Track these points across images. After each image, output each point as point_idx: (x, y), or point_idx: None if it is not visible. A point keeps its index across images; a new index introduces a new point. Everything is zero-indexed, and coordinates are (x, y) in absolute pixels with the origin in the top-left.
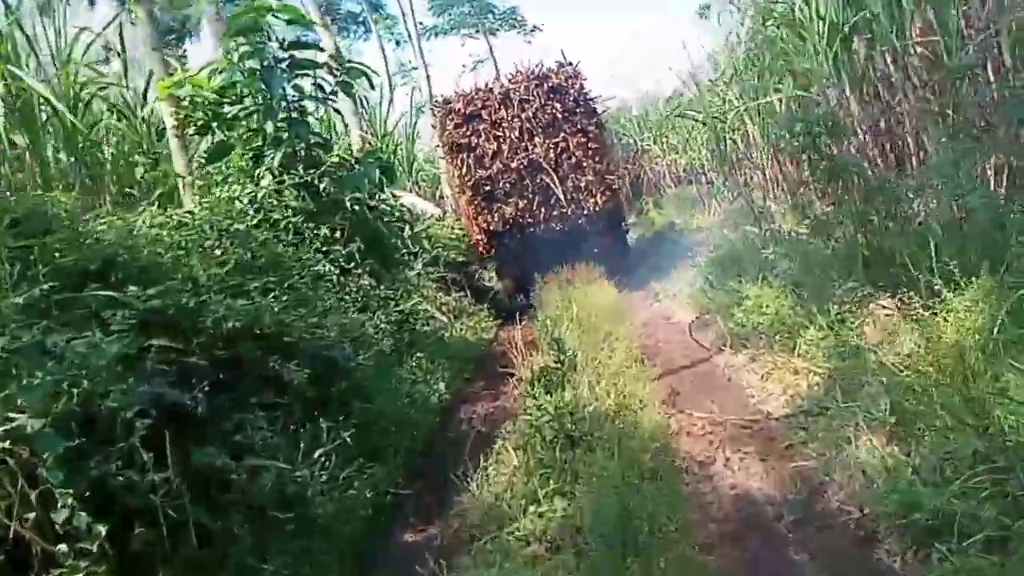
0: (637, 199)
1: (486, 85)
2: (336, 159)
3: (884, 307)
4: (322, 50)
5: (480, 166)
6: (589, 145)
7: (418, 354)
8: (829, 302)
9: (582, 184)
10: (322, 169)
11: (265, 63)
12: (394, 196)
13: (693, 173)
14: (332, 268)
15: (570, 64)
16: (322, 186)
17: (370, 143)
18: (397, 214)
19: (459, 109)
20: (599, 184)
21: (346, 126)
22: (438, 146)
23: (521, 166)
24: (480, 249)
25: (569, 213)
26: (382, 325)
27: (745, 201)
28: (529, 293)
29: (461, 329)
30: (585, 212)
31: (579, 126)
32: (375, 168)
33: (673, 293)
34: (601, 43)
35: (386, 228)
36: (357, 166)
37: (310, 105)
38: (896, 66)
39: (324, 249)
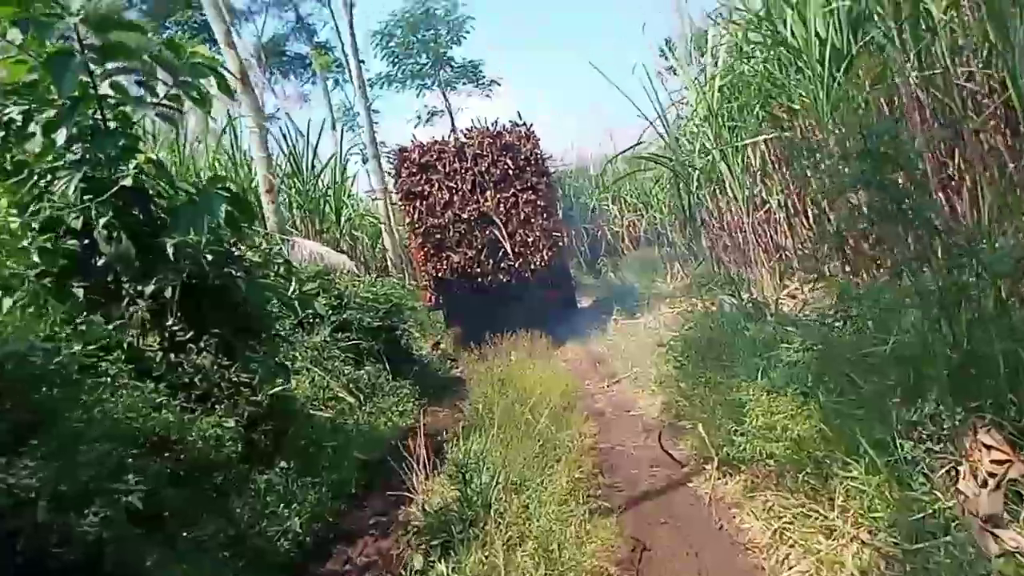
0: (595, 261)
1: (443, 138)
2: (137, 181)
3: (990, 446)
4: (143, 32)
5: (432, 214)
6: (538, 202)
7: (282, 464)
8: (890, 428)
9: (529, 239)
10: (103, 198)
11: (58, 48)
12: (266, 242)
13: (654, 234)
14: (154, 343)
15: (524, 124)
16: (102, 222)
17: (275, 186)
18: (278, 268)
19: (415, 158)
20: (546, 240)
21: (250, 164)
22: (392, 191)
23: (472, 217)
24: (427, 296)
25: (516, 266)
26: (227, 424)
27: (714, 265)
28: (477, 341)
29: (371, 414)
30: (531, 266)
31: (529, 183)
32: (220, 203)
33: (635, 373)
34: (561, 99)
35: (247, 285)
36: (197, 199)
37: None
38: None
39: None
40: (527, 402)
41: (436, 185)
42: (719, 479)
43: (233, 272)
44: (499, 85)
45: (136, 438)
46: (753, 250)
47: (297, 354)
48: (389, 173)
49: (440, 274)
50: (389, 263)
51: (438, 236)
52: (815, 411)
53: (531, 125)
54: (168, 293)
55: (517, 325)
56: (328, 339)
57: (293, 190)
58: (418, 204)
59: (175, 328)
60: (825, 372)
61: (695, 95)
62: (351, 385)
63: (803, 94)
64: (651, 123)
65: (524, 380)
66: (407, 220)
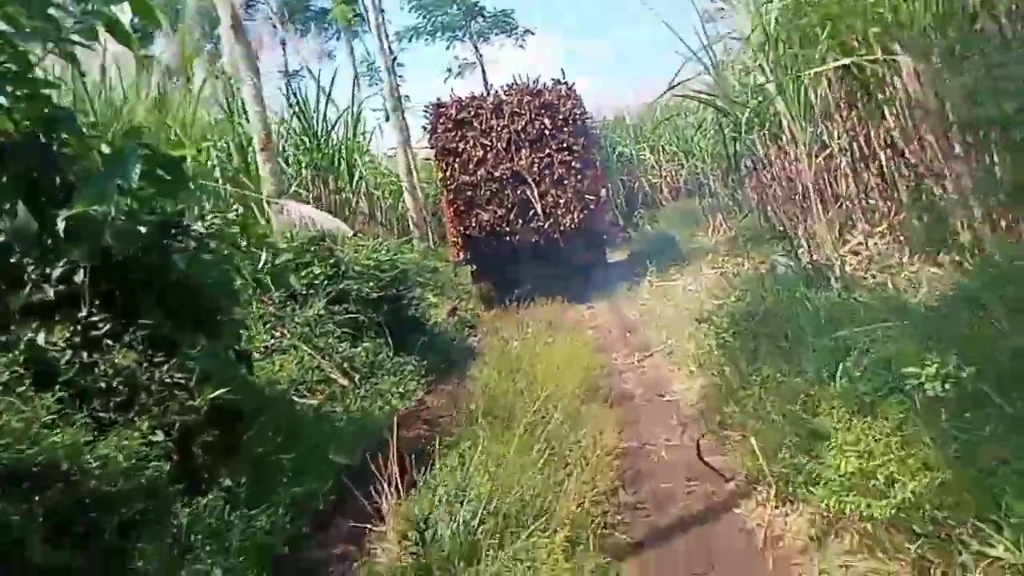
0: (631, 213)
1: (481, 93)
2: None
3: None
4: None
5: (465, 171)
6: (572, 163)
7: (226, 482)
8: None
9: (561, 201)
10: None
11: None
12: (227, 210)
13: (695, 184)
14: (61, 339)
15: (565, 83)
16: None
17: (272, 143)
18: (242, 239)
19: (451, 114)
20: (578, 202)
21: (244, 114)
22: (414, 147)
23: (504, 176)
24: (456, 252)
25: (545, 227)
26: (153, 438)
27: (762, 218)
28: (504, 300)
29: (366, 398)
30: (561, 228)
31: (565, 144)
32: (135, 163)
33: (670, 346)
34: (598, 46)
35: (189, 262)
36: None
37: None
38: None
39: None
40: (541, 390)
41: (471, 142)
42: (774, 506)
43: (173, 247)
44: (533, 35)
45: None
46: (811, 200)
47: (286, 330)
48: (424, 128)
49: (469, 232)
50: (410, 223)
51: (469, 193)
52: (933, 446)
53: (573, 84)
54: (80, 277)
55: (545, 286)
56: (323, 313)
57: (302, 148)
58: (452, 161)
59: (93, 319)
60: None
61: (749, 19)
62: (345, 364)
63: (893, 9)
64: (695, 54)
65: (542, 358)
66: (439, 176)
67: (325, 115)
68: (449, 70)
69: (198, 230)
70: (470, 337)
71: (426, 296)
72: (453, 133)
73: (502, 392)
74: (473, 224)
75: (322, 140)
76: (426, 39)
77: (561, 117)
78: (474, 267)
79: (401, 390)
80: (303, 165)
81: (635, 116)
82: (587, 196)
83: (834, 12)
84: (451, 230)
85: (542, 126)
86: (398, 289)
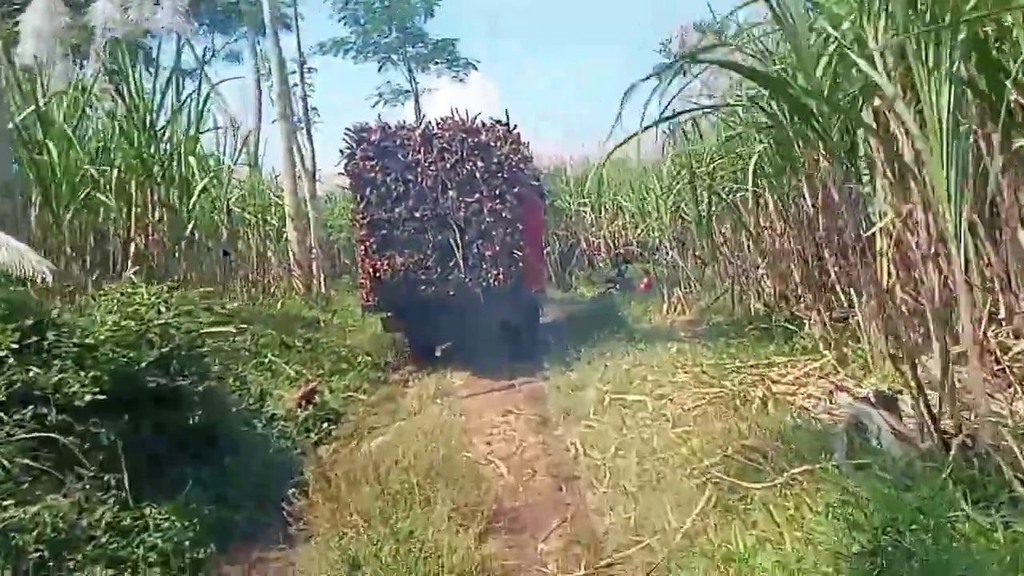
0: (565, 272)
1: (411, 123)
2: None
3: None
4: None
5: (382, 206)
6: (503, 214)
7: None
8: None
9: (487, 253)
10: None
11: None
12: None
13: (648, 248)
14: None
15: (506, 125)
16: None
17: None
18: None
19: (374, 140)
20: (506, 257)
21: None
22: (341, 173)
23: (426, 217)
24: (364, 295)
25: (466, 280)
26: None
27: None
28: (419, 353)
29: None
30: (483, 284)
31: (497, 191)
32: None
33: (648, 548)
34: (543, 93)
35: None
36: None
37: None
38: None
39: None
40: None
41: (393, 175)
42: None
43: None
44: (475, 69)
45: None
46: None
47: None
48: (342, 152)
49: (379, 274)
50: (291, 259)
51: (384, 232)
52: None
53: (515, 126)
54: None
55: (462, 349)
56: None
57: (120, 139)
58: (368, 193)
59: None
60: None
61: None
62: None
63: None
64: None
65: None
66: (352, 208)
67: (164, 96)
68: (380, 95)
69: None
70: (322, 444)
71: (283, 367)
72: (374, 162)
73: None
74: (385, 266)
75: (159, 133)
76: (355, 56)
77: (496, 161)
78: (385, 315)
79: None
80: (116, 163)
81: (576, 168)
82: (516, 252)
83: None
84: (361, 270)
85: (474, 168)
86: (174, 376)
